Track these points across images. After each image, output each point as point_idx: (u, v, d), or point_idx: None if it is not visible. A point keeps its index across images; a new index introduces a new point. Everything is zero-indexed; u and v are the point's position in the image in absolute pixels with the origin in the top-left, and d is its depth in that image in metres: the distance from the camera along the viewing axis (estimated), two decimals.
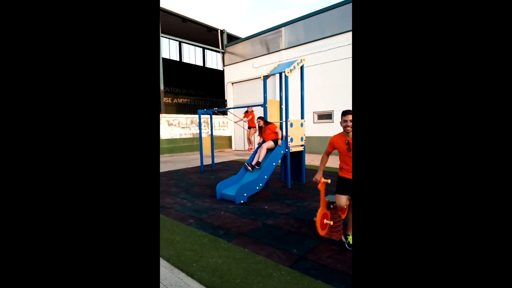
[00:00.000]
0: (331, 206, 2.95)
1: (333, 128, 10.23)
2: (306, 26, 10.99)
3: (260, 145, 5.40)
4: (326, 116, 10.71)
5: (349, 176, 2.66)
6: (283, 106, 5.74)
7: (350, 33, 9.64)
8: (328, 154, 2.85)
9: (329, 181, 2.91)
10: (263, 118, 5.44)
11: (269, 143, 5.21)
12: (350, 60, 9.73)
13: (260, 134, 5.48)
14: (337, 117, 10.18)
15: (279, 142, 5.14)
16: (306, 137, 5.91)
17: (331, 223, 2.93)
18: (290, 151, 5.36)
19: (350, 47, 9.69)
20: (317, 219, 2.88)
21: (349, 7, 9.71)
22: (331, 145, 2.76)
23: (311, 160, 8.91)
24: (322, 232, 2.94)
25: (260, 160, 5.11)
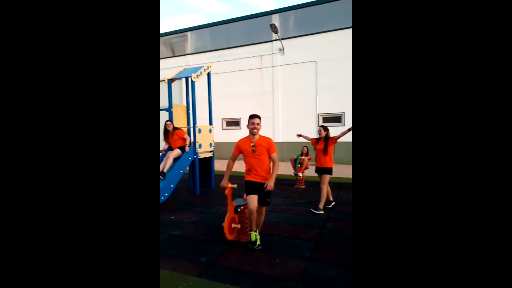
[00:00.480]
0: (239, 209, 3.04)
1: (241, 134, 10.65)
2: (213, 34, 11.16)
3: (165, 153, 5.06)
4: (234, 123, 11.06)
5: (256, 179, 2.77)
6: (191, 112, 5.61)
7: (255, 46, 10.34)
8: (234, 159, 2.92)
9: (235, 185, 2.99)
10: (172, 122, 5.14)
11: (176, 152, 4.92)
12: (255, 71, 10.43)
13: (166, 140, 5.13)
14: (244, 123, 10.67)
15: (187, 148, 4.96)
16: (215, 143, 5.93)
17: (239, 226, 3.01)
18: (199, 157, 5.27)
19: (255, 59, 10.39)
20: (225, 224, 2.91)
21: (254, 21, 10.38)
22: (237, 149, 2.85)
23: (220, 165, 8.99)
24: (230, 237, 2.97)
25: (165, 170, 4.74)
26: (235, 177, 6.67)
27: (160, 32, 12.11)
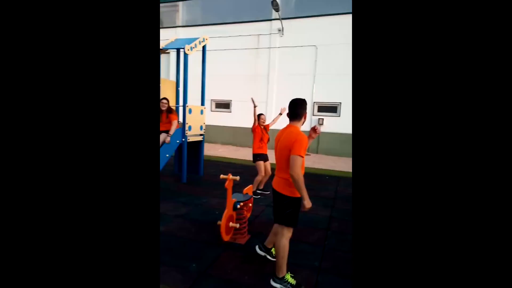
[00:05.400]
0: (238, 206, 2.58)
1: (231, 118, 10.08)
2: (207, 6, 10.28)
3: None
4: (223, 105, 10.44)
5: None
6: (181, 89, 4.98)
7: (253, 24, 9.61)
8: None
9: (238, 178, 2.51)
10: (168, 102, 4.41)
11: (163, 137, 4.28)
12: (251, 51, 9.75)
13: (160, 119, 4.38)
14: (235, 107, 10.08)
15: (167, 139, 4.26)
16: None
17: (237, 225, 2.56)
18: (188, 140, 4.71)
19: (251, 38, 9.69)
20: (222, 223, 2.44)
21: None
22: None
23: (208, 150, 8.46)
24: (226, 238, 2.52)
25: None
26: (232, 166, 6.17)
27: None
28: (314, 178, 5.63)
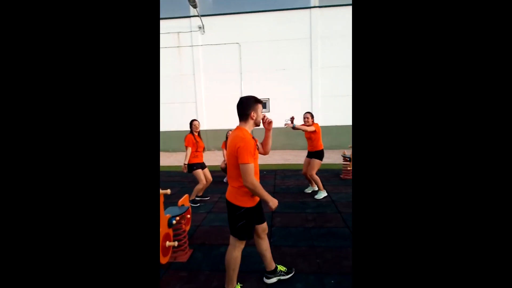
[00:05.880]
0: (174, 221, 2.33)
1: (161, 122, 9.37)
2: None
3: None
4: None
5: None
6: None
7: (171, 21, 9.04)
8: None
9: (168, 191, 2.26)
10: None
11: None
12: (172, 50, 9.19)
13: None
14: (162, 110, 9.39)
15: None
16: None
17: (175, 244, 2.31)
18: None
19: (171, 35, 9.13)
20: None
21: None
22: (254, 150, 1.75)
23: None
24: (164, 260, 2.25)
25: None
26: (166, 174, 5.66)
27: None
28: None
